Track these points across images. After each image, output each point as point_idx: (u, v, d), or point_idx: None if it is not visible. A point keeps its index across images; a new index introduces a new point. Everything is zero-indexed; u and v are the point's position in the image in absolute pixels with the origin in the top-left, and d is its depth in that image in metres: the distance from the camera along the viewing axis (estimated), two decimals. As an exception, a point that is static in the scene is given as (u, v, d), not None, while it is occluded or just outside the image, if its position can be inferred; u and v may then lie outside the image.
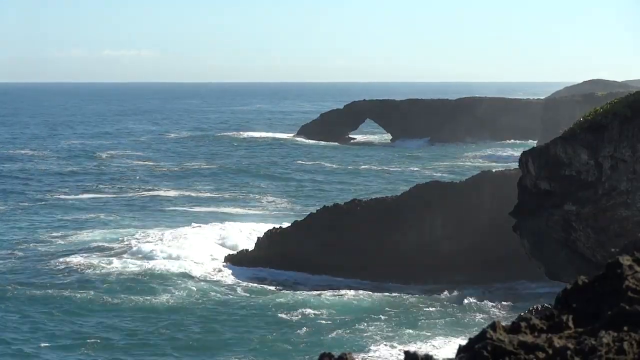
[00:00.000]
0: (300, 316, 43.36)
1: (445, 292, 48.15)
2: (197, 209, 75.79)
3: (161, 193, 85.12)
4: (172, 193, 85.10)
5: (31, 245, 59.45)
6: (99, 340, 39.22)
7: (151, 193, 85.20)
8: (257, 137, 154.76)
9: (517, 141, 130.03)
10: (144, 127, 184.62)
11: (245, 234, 60.83)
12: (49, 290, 47.03)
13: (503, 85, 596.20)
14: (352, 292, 48.31)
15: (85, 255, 55.91)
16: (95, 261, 53.83)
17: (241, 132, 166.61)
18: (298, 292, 48.22)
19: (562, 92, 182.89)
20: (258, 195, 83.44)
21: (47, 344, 38.51)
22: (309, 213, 55.97)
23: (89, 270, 51.88)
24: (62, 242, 60.30)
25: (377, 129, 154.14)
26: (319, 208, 55.90)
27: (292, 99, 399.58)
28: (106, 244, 59.34)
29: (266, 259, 52.07)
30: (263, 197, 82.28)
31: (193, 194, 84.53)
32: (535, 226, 39.69)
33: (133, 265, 52.75)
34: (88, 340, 38.95)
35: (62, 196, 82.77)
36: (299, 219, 55.35)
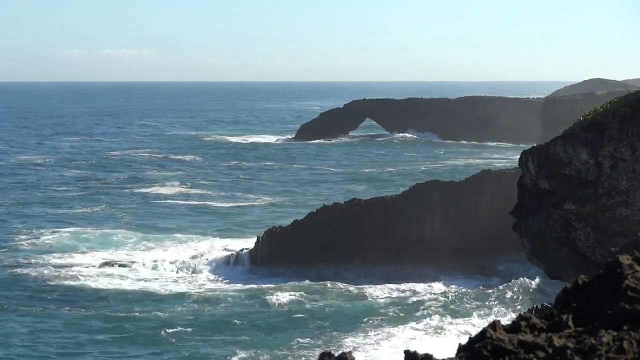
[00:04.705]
0: (299, 314, 43.37)
1: (445, 291, 48.18)
2: (197, 208, 75.75)
3: (162, 191, 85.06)
4: (173, 191, 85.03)
5: (29, 247, 59.43)
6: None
7: (152, 191, 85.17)
8: (257, 136, 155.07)
9: (517, 140, 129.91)
10: (145, 126, 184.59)
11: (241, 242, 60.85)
12: (49, 299, 46.91)
13: (503, 84, 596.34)
14: (352, 290, 48.35)
15: (83, 258, 55.98)
16: (91, 265, 53.93)
17: (240, 131, 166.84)
18: (297, 291, 48.23)
19: (562, 91, 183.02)
20: (258, 194, 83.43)
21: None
22: (308, 212, 55.96)
23: (90, 275, 51.92)
24: (63, 246, 60.25)
25: (377, 128, 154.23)
26: (318, 207, 55.88)
27: (292, 98, 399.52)
28: (103, 247, 59.44)
29: (266, 258, 52.04)
30: (263, 196, 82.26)
31: (194, 196, 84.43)
32: (535, 225, 39.68)
33: (133, 270, 52.78)
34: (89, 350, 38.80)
35: (67, 201, 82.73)
36: (298, 218, 55.33)
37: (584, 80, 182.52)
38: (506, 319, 33.95)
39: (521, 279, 49.85)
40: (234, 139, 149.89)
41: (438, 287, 49.12)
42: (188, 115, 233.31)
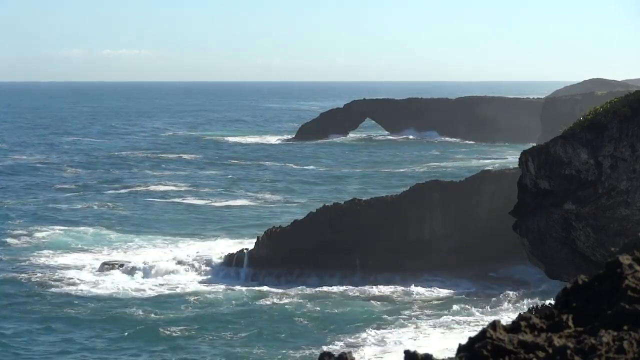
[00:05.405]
0: (299, 315, 43.35)
1: (445, 291, 48.23)
2: (195, 208, 75.71)
3: (161, 191, 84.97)
4: (171, 191, 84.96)
5: (29, 249, 59.39)
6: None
7: (152, 189, 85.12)
8: (256, 136, 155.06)
9: (517, 140, 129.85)
10: (144, 126, 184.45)
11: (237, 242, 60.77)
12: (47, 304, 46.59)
13: (503, 84, 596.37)
14: (352, 290, 48.36)
15: (79, 262, 55.98)
16: (86, 268, 53.86)
17: (239, 131, 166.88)
18: (297, 291, 48.26)
19: (562, 91, 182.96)
20: (258, 194, 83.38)
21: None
22: (308, 212, 55.95)
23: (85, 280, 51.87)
24: (65, 247, 60.20)
25: (377, 128, 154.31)
26: (318, 207, 55.87)
27: (292, 98, 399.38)
28: (100, 247, 59.42)
29: (266, 259, 52.02)
30: (263, 196, 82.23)
31: (193, 195, 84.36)
32: (535, 225, 39.66)
33: (132, 271, 52.68)
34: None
35: (65, 203, 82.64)
36: (298, 218, 55.31)
37: (584, 80, 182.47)
38: (506, 319, 33.96)
39: (521, 278, 49.91)
40: (233, 139, 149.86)
41: (438, 287, 49.12)
42: (187, 115, 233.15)
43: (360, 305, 45.61)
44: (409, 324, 41.91)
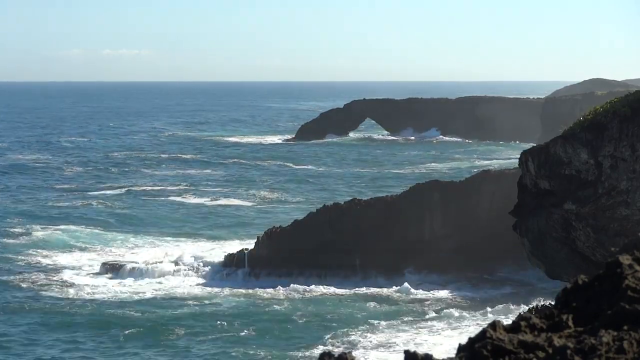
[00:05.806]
0: (299, 315, 43.34)
1: (445, 291, 48.23)
2: (194, 208, 75.67)
3: (160, 191, 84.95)
4: (170, 191, 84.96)
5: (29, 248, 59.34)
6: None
7: (152, 191, 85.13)
8: (256, 136, 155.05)
9: (517, 140, 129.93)
10: (144, 126, 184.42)
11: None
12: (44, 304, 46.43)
13: (503, 84, 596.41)
14: (352, 290, 48.34)
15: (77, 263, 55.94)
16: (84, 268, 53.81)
17: (239, 131, 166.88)
18: (297, 291, 48.24)
19: (562, 91, 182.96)
20: (258, 194, 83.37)
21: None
22: (308, 212, 55.94)
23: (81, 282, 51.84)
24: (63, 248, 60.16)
25: (377, 128, 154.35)
26: (318, 207, 55.87)
27: (292, 98, 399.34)
28: (98, 247, 59.39)
29: (266, 259, 52.03)
30: (263, 196, 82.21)
31: (192, 195, 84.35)
32: (535, 225, 39.65)
33: (131, 271, 52.65)
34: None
35: (65, 202, 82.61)
36: (298, 218, 55.31)
37: (584, 80, 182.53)
38: (506, 319, 33.95)
39: (521, 279, 49.91)
40: (233, 139, 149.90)
41: (438, 287, 49.12)
42: (186, 115, 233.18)
43: (360, 305, 45.59)
44: (409, 324, 41.89)
